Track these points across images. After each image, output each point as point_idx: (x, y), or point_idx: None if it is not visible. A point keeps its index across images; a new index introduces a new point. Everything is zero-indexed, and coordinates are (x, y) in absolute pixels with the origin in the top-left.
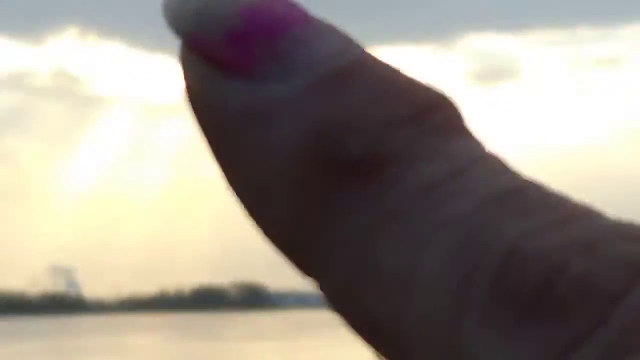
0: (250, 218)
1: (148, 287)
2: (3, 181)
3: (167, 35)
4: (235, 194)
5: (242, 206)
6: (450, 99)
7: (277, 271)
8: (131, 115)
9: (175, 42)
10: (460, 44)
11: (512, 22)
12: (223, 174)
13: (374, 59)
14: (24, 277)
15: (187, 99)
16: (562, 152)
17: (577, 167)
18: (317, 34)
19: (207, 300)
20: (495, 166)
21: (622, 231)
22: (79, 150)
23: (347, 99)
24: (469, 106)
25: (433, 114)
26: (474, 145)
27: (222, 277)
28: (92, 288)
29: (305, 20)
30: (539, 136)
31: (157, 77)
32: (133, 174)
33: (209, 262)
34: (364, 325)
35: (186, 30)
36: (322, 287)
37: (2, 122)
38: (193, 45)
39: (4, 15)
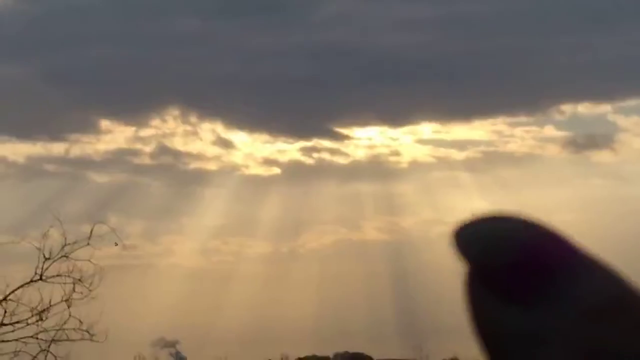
0: None
1: (253, 356)
2: (109, 258)
3: (263, 115)
4: None
5: None
6: None
7: (380, 341)
8: (231, 189)
9: (279, 121)
10: (554, 113)
11: (607, 91)
12: None
13: (637, 295)
14: (132, 350)
15: (470, 312)
16: None
17: None
18: (587, 268)
19: None
20: None
21: None
22: (183, 225)
23: (615, 330)
24: (564, 174)
25: None
26: None
27: (327, 348)
28: None
29: (577, 255)
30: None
31: (254, 154)
32: (237, 246)
33: (313, 333)
34: None
35: (474, 258)
36: None
37: (109, 200)
38: (479, 272)
39: (110, 99)
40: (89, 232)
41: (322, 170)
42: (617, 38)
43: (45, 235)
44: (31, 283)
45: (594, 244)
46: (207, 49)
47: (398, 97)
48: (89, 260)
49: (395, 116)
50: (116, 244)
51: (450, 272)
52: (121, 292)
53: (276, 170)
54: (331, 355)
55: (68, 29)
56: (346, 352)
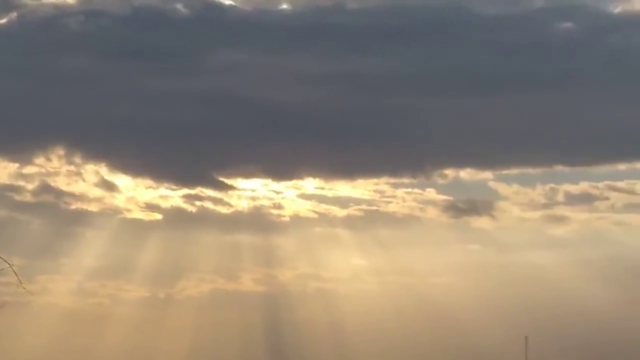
0: None
1: None
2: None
3: (148, 160)
4: None
5: None
6: None
7: None
8: (112, 232)
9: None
10: (437, 177)
11: (489, 158)
12: None
13: None
14: None
15: None
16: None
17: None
18: None
19: None
20: None
21: None
22: (62, 264)
23: None
24: (443, 237)
25: None
26: None
27: None
28: None
29: None
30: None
31: (137, 198)
32: (114, 289)
33: None
34: None
35: None
36: None
37: None
38: None
39: None
40: None
41: (204, 219)
42: (503, 107)
43: None
44: None
45: (469, 308)
46: (97, 90)
47: (284, 151)
48: None
49: (280, 170)
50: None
51: (325, 327)
52: None
53: (157, 216)
54: None
55: None
56: None
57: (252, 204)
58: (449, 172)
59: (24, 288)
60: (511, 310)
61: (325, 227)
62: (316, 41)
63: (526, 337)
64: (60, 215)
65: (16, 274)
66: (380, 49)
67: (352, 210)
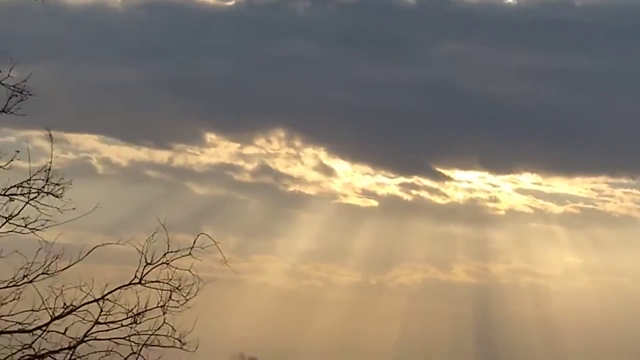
0: None
1: None
2: (202, 270)
3: (366, 147)
4: None
5: None
6: None
7: None
8: (327, 216)
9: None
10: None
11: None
12: None
13: None
14: None
15: None
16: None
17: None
18: None
19: None
20: None
21: None
22: (276, 245)
23: None
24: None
25: None
26: None
27: None
28: None
29: None
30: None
31: (354, 184)
32: (327, 272)
33: None
34: None
35: None
36: None
37: (207, 212)
38: None
39: (219, 113)
40: (192, 242)
41: (419, 208)
42: None
43: (149, 240)
44: (130, 286)
45: None
46: (320, 75)
47: (502, 144)
48: (188, 270)
49: (498, 163)
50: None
51: (535, 323)
52: (211, 304)
53: (373, 203)
54: None
55: (185, 40)
56: None
57: (468, 195)
58: None
59: (229, 266)
60: None
61: (541, 222)
62: (540, 36)
63: None
64: (277, 197)
65: (221, 252)
66: (605, 47)
67: (568, 208)
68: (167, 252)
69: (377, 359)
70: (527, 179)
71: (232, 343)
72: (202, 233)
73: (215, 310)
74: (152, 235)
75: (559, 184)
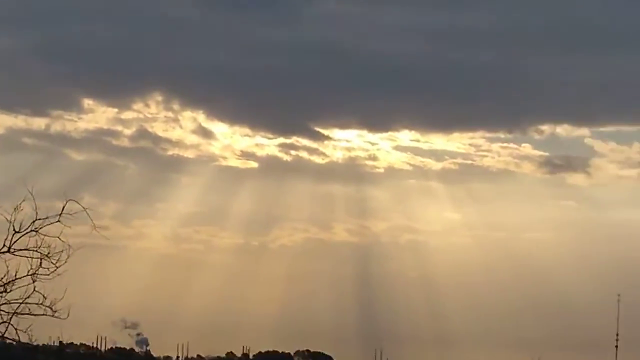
0: None
1: (214, 348)
2: (81, 237)
3: (245, 108)
4: None
5: None
6: None
7: (342, 342)
8: (207, 179)
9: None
10: (533, 133)
11: (587, 115)
12: None
13: None
14: (94, 329)
15: None
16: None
17: None
18: None
19: None
20: None
21: None
22: (157, 210)
23: None
24: (538, 193)
25: None
26: None
27: (289, 345)
28: (159, 346)
29: None
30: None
31: (233, 146)
32: (208, 235)
33: (276, 329)
34: None
35: None
36: None
37: (85, 178)
38: None
39: (95, 79)
40: (61, 208)
41: (299, 168)
42: (605, 63)
43: (16, 208)
44: None
45: (561, 265)
46: (196, 38)
47: (381, 103)
48: (58, 237)
49: (376, 121)
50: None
51: (416, 280)
52: (88, 271)
53: (253, 164)
54: (292, 353)
55: (58, 4)
56: (307, 351)
57: (347, 154)
58: (546, 128)
59: (98, 232)
60: (604, 268)
61: (420, 179)
62: None
63: (619, 294)
64: (156, 161)
65: (90, 218)
66: (478, 4)
67: (447, 164)
68: (36, 220)
69: (260, 320)
70: (406, 137)
71: (113, 309)
72: (70, 199)
73: (98, 277)
74: (20, 204)
75: (437, 141)
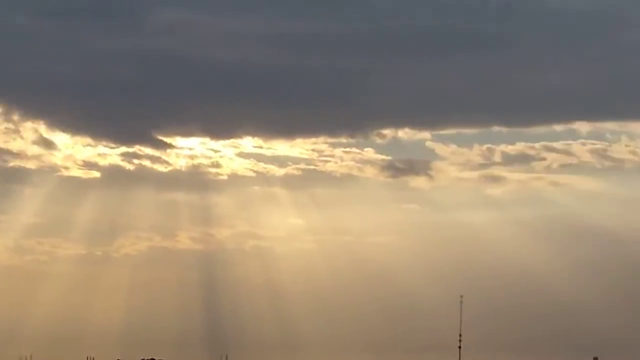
0: None
1: (59, 359)
2: None
3: (86, 118)
4: None
5: None
6: None
7: (187, 350)
8: (49, 190)
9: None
10: (375, 137)
11: (427, 118)
12: None
13: None
14: None
15: None
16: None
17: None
18: None
19: None
20: None
21: None
22: None
23: None
24: (381, 197)
25: None
26: None
27: (133, 353)
28: (2, 358)
29: None
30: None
31: (75, 156)
32: (51, 246)
33: (120, 338)
34: None
35: None
36: None
37: None
38: None
39: None
40: None
41: (142, 177)
42: (444, 67)
43: None
44: None
45: (405, 268)
46: (37, 49)
47: (223, 110)
48: None
49: (219, 128)
50: None
51: (261, 286)
52: None
53: (96, 174)
54: None
55: None
56: (152, 359)
57: (190, 162)
58: (387, 132)
59: None
60: (447, 269)
61: (263, 186)
62: (258, 2)
63: (461, 296)
64: None
65: None
66: (318, 11)
67: (290, 169)
68: None
69: (105, 329)
70: (249, 143)
71: None
72: None
73: None
74: None
75: (280, 147)
